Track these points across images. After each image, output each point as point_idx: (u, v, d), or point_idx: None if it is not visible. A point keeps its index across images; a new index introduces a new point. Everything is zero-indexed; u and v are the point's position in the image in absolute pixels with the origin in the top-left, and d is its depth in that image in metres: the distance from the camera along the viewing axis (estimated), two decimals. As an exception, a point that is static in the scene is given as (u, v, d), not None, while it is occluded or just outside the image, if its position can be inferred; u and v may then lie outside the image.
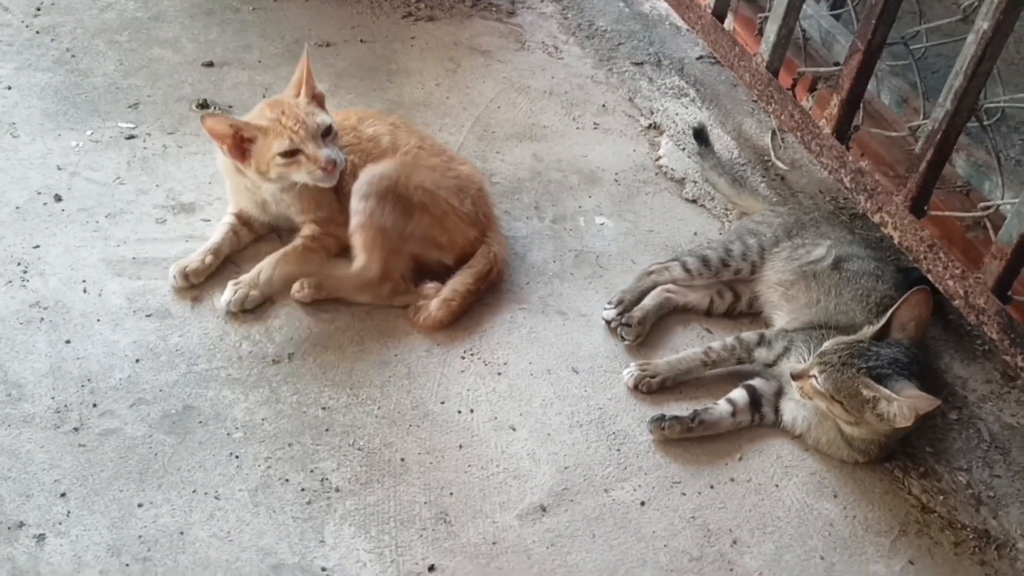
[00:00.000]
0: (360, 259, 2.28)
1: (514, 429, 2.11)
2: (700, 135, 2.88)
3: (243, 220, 2.44)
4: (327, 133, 2.24)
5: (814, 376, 2.00)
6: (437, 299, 2.31)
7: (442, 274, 2.39)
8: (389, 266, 2.30)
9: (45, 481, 1.87)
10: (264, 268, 2.31)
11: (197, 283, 2.32)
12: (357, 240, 2.28)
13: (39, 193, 2.48)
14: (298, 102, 2.25)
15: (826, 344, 2.04)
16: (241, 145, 2.23)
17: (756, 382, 2.20)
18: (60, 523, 1.81)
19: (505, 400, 2.17)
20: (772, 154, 2.97)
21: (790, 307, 2.33)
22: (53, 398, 2.02)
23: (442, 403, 2.14)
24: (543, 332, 2.34)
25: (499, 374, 2.22)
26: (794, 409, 2.15)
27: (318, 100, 2.30)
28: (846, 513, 2.02)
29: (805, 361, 2.09)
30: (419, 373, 2.20)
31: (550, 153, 2.91)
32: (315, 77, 2.29)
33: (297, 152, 2.19)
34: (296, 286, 2.28)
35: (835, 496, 2.05)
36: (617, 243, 2.62)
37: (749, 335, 2.26)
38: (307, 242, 2.37)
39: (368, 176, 2.30)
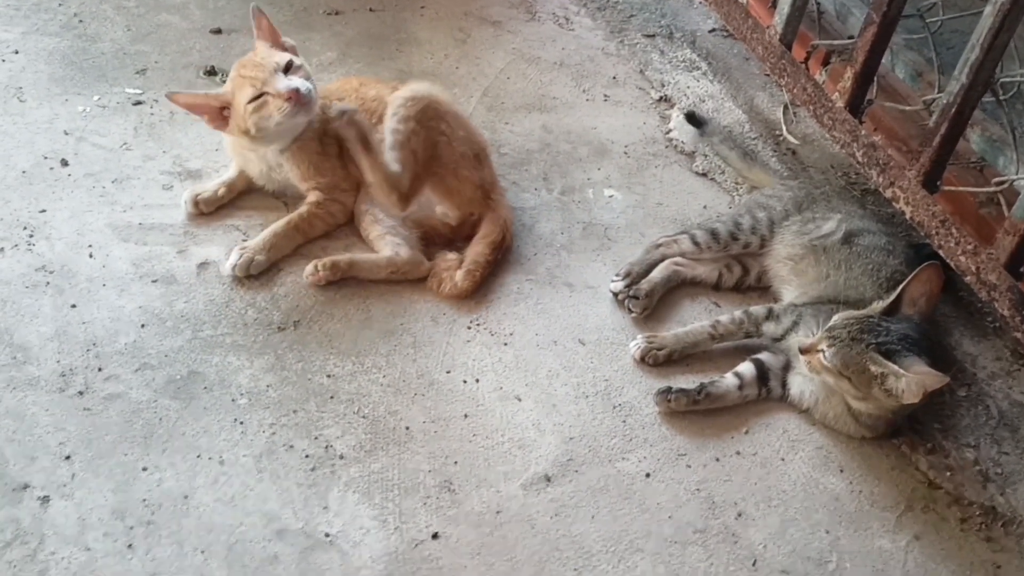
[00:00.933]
0: (395, 168, 2.29)
1: (519, 399, 2.10)
2: (693, 119, 2.85)
3: None
4: (288, 68, 2.26)
5: (822, 351, 1.99)
6: (461, 270, 2.30)
7: (444, 246, 2.40)
8: (413, 188, 2.33)
9: (50, 444, 1.87)
10: (270, 234, 2.30)
11: (207, 212, 2.39)
12: (392, 156, 2.29)
13: (46, 158, 2.47)
14: (255, 52, 2.30)
15: (835, 319, 2.02)
16: (221, 114, 2.28)
17: (764, 356, 2.18)
18: (65, 485, 1.80)
19: (511, 370, 2.16)
20: (783, 128, 2.95)
21: (799, 281, 2.31)
22: (58, 362, 2.01)
23: (447, 372, 2.13)
24: (550, 303, 2.33)
25: (505, 344, 2.21)
26: (801, 383, 2.14)
27: (282, 47, 2.34)
28: (852, 488, 2.01)
29: (813, 336, 2.07)
30: (425, 342, 2.19)
31: (559, 124, 2.89)
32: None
33: (263, 95, 2.21)
34: (310, 268, 2.25)
35: (841, 471, 2.04)
36: (626, 216, 2.60)
37: (757, 309, 2.24)
38: (313, 208, 2.36)
39: (402, 99, 2.33)
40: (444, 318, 2.25)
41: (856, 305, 2.11)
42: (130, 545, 1.73)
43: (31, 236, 2.26)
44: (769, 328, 2.21)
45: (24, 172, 2.42)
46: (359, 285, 2.28)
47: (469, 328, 2.24)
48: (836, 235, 2.31)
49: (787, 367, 2.17)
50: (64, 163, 2.46)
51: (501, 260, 2.38)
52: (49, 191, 2.38)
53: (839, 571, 1.87)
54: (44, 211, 2.33)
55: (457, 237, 2.41)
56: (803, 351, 2.04)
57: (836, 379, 1.99)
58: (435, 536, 1.83)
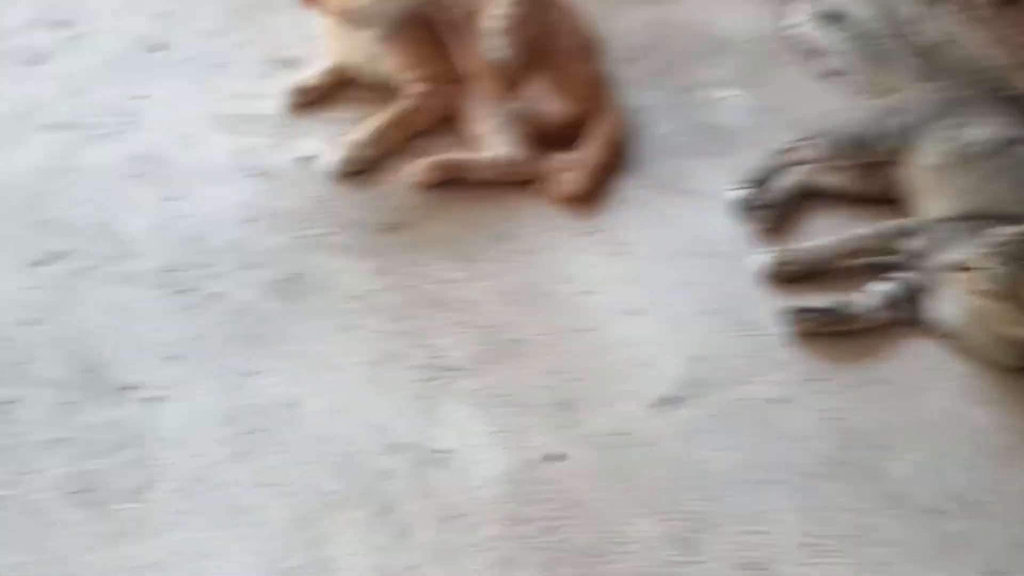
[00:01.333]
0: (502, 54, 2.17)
1: (639, 315, 1.97)
2: (834, 17, 2.64)
3: None
4: None
5: (981, 269, 1.82)
6: (576, 172, 2.16)
7: (553, 146, 2.24)
8: (521, 77, 2.18)
9: (154, 343, 1.80)
10: (372, 128, 2.19)
11: (306, 103, 2.29)
12: (499, 41, 2.16)
13: (140, 41, 2.39)
14: None
15: (998, 234, 1.85)
16: None
17: (903, 276, 2.01)
18: (173, 386, 1.74)
19: (628, 283, 2.03)
20: (919, 26, 2.71)
21: (943, 194, 2.11)
22: (159, 257, 1.95)
23: (562, 283, 2.01)
24: (667, 212, 2.18)
25: (621, 255, 2.08)
26: (944, 306, 1.97)
27: None
28: (1001, 422, 1.86)
29: (963, 254, 1.90)
30: (537, 250, 2.06)
31: (670, 19, 2.69)
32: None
33: None
34: (415, 168, 2.14)
35: (987, 403, 1.89)
36: (745, 119, 2.42)
37: (896, 223, 2.07)
38: (416, 101, 2.24)
39: None
40: (557, 224, 2.12)
41: (1012, 222, 1.92)
42: (245, 452, 1.67)
43: (127, 124, 2.19)
44: (909, 244, 2.04)
45: (119, 55, 2.34)
46: (465, 186, 2.16)
47: (583, 236, 2.11)
48: (989, 143, 2.11)
49: (928, 288, 2.00)
50: (159, 48, 2.38)
51: (615, 163, 2.24)
52: (144, 77, 2.31)
53: (988, 511, 1.73)
54: (140, 97, 2.25)
55: (567, 137, 2.26)
56: (957, 269, 1.87)
57: (994, 301, 1.83)
58: (556, 457, 1.73)
